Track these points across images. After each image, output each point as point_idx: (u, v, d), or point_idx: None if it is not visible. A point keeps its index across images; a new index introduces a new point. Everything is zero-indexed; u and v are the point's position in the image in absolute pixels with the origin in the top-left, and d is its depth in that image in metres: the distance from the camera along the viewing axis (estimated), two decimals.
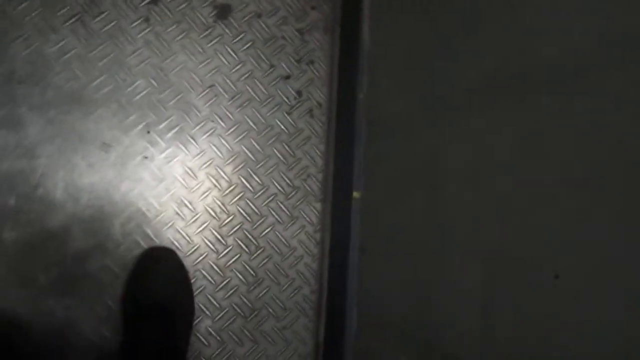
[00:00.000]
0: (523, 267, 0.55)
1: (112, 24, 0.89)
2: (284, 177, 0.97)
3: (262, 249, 0.94)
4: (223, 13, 0.95)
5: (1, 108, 0.82)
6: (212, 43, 0.94)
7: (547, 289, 0.50)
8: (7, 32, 0.84)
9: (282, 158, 0.97)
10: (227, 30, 0.95)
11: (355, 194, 0.92)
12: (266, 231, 0.95)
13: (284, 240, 0.96)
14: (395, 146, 0.83)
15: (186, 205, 0.91)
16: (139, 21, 0.90)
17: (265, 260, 0.94)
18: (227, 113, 0.94)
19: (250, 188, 0.95)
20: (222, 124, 0.94)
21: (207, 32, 0.94)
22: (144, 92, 0.90)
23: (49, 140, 0.84)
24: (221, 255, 0.92)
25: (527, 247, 0.55)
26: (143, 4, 0.91)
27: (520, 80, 0.56)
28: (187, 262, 0.89)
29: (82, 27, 0.87)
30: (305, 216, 0.97)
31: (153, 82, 0.90)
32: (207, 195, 0.92)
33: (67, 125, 0.85)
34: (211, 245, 0.92)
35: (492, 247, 0.61)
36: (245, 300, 0.92)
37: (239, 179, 0.94)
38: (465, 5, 0.68)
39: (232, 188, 0.94)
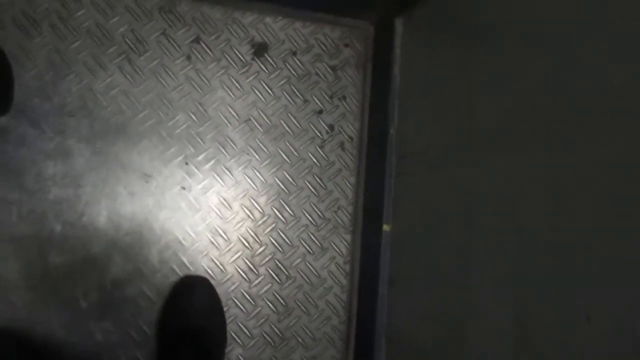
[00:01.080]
0: (555, 307, 0.55)
1: (156, 61, 0.94)
2: (315, 208, 0.99)
3: (292, 279, 0.96)
4: (260, 51, 1.00)
5: (53, 139, 0.88)
6: (249, 79, 0.99)
7: (579, 331, 0.51)
8: (61, 68, 0.90)
9: (313, 190, 0.99)
10: (263, 67, 1.00)
11: (385, 227, 0.94)
12: (297, 261, 0.97)
13: (314, 270, 0.97)
14: (425, 180, 0.85)
15: (221, 235, 0.94)
16: (182, 59, 0.96)
17: (295, 290, 0.96)
18: (262, 146, 0.98)
19: (283, 219, 0.97)
20: (257, 156, 0.97)
21: (244, 69, 0.99)
22: (184, 126, 0.94)
23: (94, 170, 0.89)
24: (253, 285, 0.94)
25: (558, 287, 0.56)
26: (186, 42, 0.96)
27: (554, 121, 0.58)
28: (220, 291, 0.92)
29: (128, 64, 0.93)
30: (335, 247, 0.99)
31: (193, 116, 0.95)
32: (241, 226, 0.95)
33: (111, 156, 0.90)
34: (244, 275, 0.94)
35: (523, 285, 0.62)
36: (275, 329, 0.94)
37: (272, 210, 0.97)
38: (498, 45, 0.71)
39: (265, 219, 0.96)
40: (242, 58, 0.99)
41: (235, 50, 0.99)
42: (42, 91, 0.88)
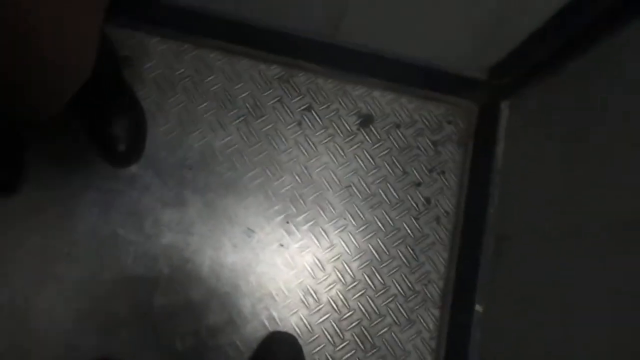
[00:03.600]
0: None
1: (270, 125, 1.02)
2: (405, 279, 0.99)
3: (377, 349, 0.96)
4: (366, 122, 1.05)
5: (172, 189, 0.96)
6: (353, 148, 1.04)
7: None
8: (188, 126, 1.00)
9: (405, 261, 1.00)
10: (367, 138, 1.04)
11: (478, 307, 0.92)
12: (383, 331, 0.97)
13: (399, 342, 0.97)
14: (524, 265, 0.83)
15: (312, 295, 0.96)
16: (293, 125, 1.03)
17: None
18: (359, 212, 1.01)
19: (372, 286, 0.98)
20: (353, 222, 1.00)
21: (349, 138, 1.04)
22: (289, 186, 1.00)
23: (204, 220, 0.96)
24: (338, 349, 0.95)
25: None
26: (298, 110, 1.04)
27: None
28: (306, 351, 0.93)
29: (245, 126, 1.01)
30: (422, 321, 0.98)
31: (297, 178, 1.00)
32: (332, 288, 0.97)
33: (220, 209, 0.97)
34: (330, 338, 0.95)
35: None
36: None
37: (363, 275, 0.98)
38: (606, 140, 0.70)
39: (355, 284, 0.98)
40: (348, 127, 1.04)
41: (342, 120, 1.05)
42: (169, 145, 0.98)
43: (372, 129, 1.05)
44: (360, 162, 1.03)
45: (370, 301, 0.98)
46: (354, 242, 1.00)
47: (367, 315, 0.97)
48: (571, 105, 0.82)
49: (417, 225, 1.02)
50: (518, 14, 0.82)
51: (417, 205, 1.03)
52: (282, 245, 0.98)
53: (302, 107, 1.04)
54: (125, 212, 0.94)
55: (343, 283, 0.98)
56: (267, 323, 0.94)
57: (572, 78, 0.83)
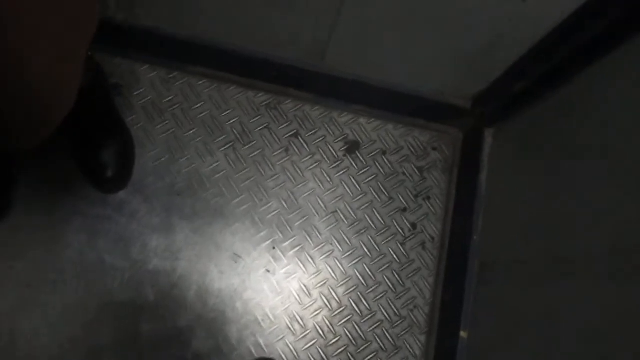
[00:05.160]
0: None
1: (258, 151, 1.03)
2: (391, 304, 1.00)
3: None
4: (352, 148, 1.07)
5: (160, 215, 0.97)
6: (339, 174, 1.05)
7: None
8: (176, 152, 1.01)
9: (391, 286, 1.01)
10: (354, 164, 1.06)
11: (463, 333, 0.92)
12: (369, 357, 0.97)
13: None
14: (508, 293, 0.84)
15: (298, 321, 0.96)
16: (280, 151, 1.04)
17: None
18: (345, 238, 1.02)
19: (358, 312, 0.99)
20: (340, 247, 1.01)
21: (336, 164, 1.05)
22: (275, 212, 1.01)
23: (191, 246, 0.96)
24: None
25: None
26: (286, 136, 1.05)
27: None
28: None
29: (233, 152, 1.03)
30: (409, 347, 0.98)
31: (284, 204, 1.01)
32: (318, 314, 0.97)
33: (207, 235, 0.97)
34: None
35: None
36: None
37: (349, 301, 0.99)
38: (590, 169, 0.72)
39: (341, 310, 0.98)
40: (334, 154, 1.06)
41: (329, 146, 1.06)
42: (157, 171, 0.99)
43: (359, 155, 1.07)
44: (347, 187, 1.04)
45: (356, 327, 0.98)
46: (340, 267, 1.00)
47: (353, 341, 0.97)
48: (554, 134, 0.84)
49: (403, 251, 1.03)
50: (501, 45, 0.84)
51: (403, 231, 1.04)
52: (268, 271, 0.98)
53: (290, 134, 1.05)
54: (112, 238, 0.95)
55: (329, 309, 0.98)
56: (253, 350, 0.94)
57: (555, 107, 0.85)
